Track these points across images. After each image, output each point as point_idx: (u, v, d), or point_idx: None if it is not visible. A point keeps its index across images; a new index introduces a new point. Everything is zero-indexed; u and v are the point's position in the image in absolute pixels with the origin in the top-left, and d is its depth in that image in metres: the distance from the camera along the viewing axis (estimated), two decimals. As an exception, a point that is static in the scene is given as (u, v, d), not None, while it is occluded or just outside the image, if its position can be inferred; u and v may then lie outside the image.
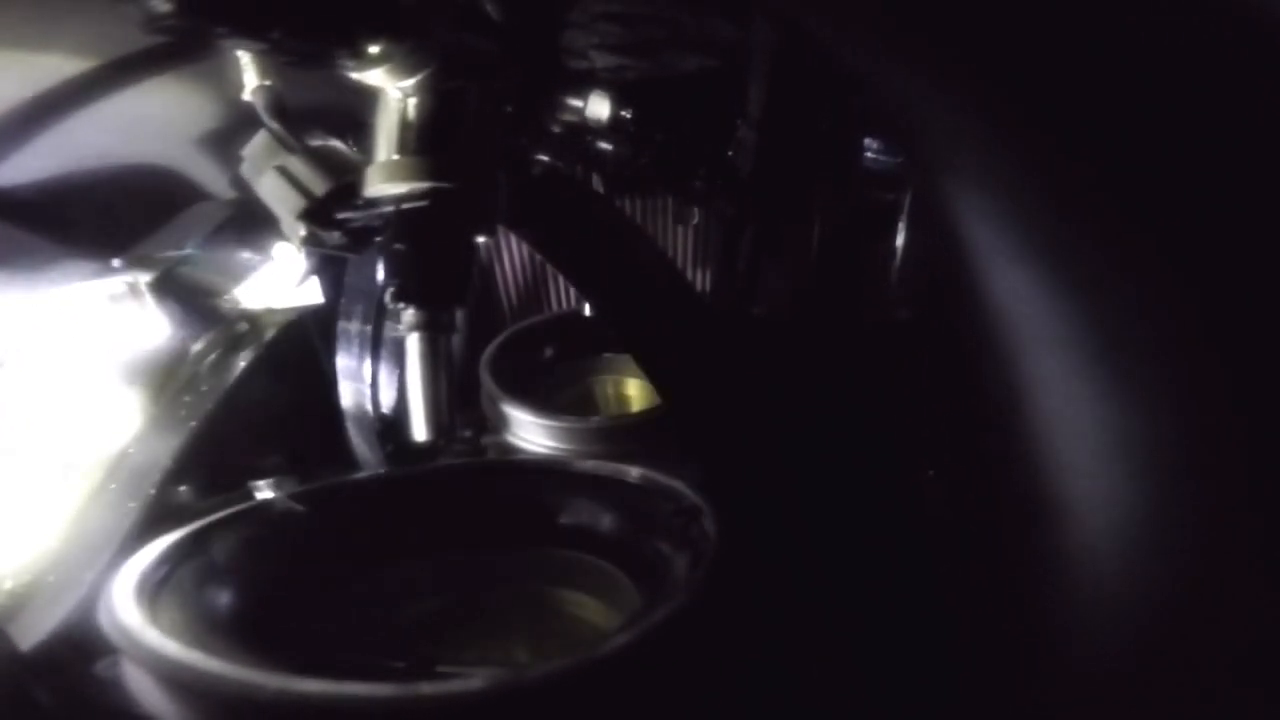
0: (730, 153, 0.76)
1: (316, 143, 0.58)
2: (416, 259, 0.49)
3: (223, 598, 0.51)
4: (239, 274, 0.77)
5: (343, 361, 0.79)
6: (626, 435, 0.83)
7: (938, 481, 0.60)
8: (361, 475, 0.76)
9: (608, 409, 1.04)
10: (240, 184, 0.60)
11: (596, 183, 0.84)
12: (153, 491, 0.59)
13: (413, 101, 0.49)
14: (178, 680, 0.39)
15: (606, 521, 0.60)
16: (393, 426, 0.80)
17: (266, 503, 0.60)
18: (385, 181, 0.49)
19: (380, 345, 0.79)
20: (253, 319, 0.77)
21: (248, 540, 0.55)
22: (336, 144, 0.59)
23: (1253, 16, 0.31)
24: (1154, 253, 0.32)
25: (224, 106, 0.80)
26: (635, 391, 1.04)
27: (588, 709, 0.39)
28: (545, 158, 0.76)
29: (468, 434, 0.94)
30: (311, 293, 0.84)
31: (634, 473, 0.59)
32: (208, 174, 0.87)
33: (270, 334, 0.76)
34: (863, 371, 0.71)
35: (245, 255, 0.78)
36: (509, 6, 0.57)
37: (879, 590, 0.53)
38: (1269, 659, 0.31)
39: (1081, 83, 0.33)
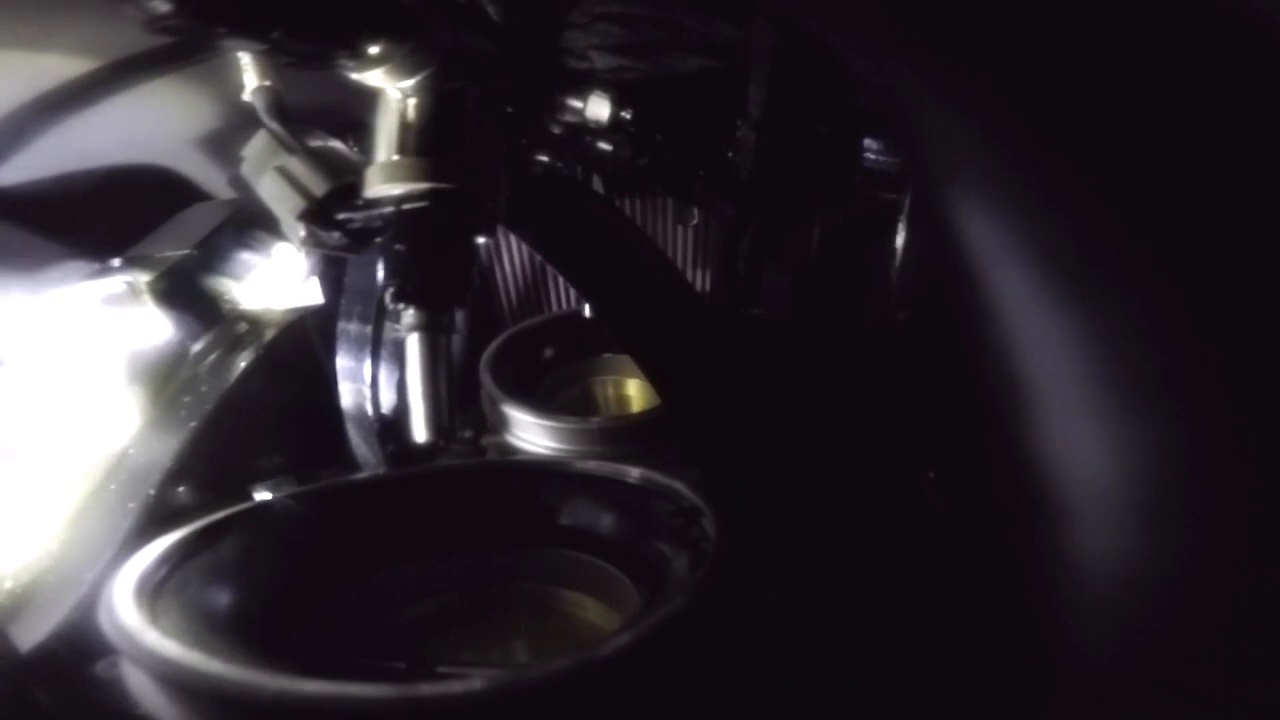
0: (730, 153, 0.76)
1: (316, 143, 0.58)
2: (416, 259, 0.49)
3: (223, 598, 0.51)
4: (239, 274, 0.77)
5: (343, 362, 0.79)
6: (626, 436, 0.83)
7: (938, 482, 0.60)
8: (361, 476, 0.76)
9: (607, 409, 1.04)
10: (240, 184, 0.60)
11: (596, 183, 0.84)
12: (152, 492, 0.58)
13: (413, 102, 0.49)
14: (177, 681, 0.39)
15: (606, 522, 0.60)
16: (393, 427, 0.80)
17: (266, 503, 0.60)
18: (385, 182, 0.49)
19: (380, 346, 0.79)
20: (253, 319, 0.77)
21: (247, 541, 0.55)
22: (336, 144, 0.59)
23: (1254, 18, 0.31)
24: (1154, 255, 0.32)
25: (224, 107, 0.80)
26: (635, 392, 1.04)
27: (588, 709, 0.39)
28: (545, 158, 0.76)
29: (468, 434, 0.94)
30: (311, 293, 0.84)
31: (634, 473, 0.59)
32: (208, 174, 0.87)
33: (270, 334, 0.76)
34: (862, 372, 0.71)
35: (245, 255, 0.78)
36: (509, 7, 0.57)
37: (879, 591, 0.53)
38: (1269, 659, 0.31)
39: (1081, 84, 0.33)
